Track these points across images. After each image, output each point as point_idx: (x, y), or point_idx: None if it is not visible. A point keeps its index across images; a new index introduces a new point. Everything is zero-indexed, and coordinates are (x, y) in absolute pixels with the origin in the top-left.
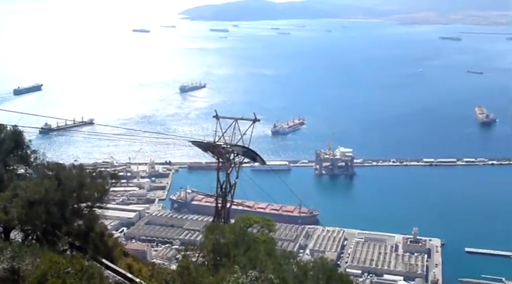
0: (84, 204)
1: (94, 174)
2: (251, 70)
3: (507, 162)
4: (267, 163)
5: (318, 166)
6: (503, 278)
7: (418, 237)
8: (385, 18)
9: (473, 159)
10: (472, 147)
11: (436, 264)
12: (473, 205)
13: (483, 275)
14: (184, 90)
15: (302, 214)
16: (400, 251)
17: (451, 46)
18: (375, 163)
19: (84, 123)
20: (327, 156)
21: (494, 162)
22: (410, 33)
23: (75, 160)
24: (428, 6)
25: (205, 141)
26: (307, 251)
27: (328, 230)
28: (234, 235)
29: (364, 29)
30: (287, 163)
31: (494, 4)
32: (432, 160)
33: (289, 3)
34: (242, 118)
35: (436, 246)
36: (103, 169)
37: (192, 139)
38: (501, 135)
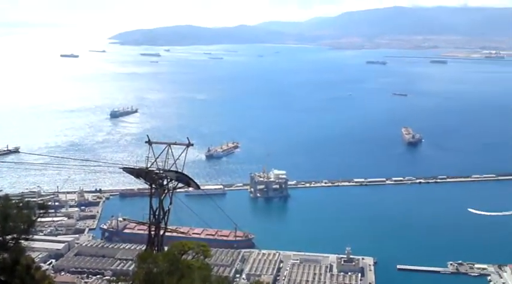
0: (9, 236)
1: (20, 204)
2: (184, 94)
3: (433, 180)
4: (202, 187)
5: (252, 189)
6: None
7: (351, 256)
8: (316, 44)
9: (401, 178)
10: (400, 166)
11: (370, 282)
12: (403, 223)
13: None
14: (115, 115)
15: (238, 238)
16: (335, 271)
17: (377, 70)
18: (308, 185)
19: (9, 152)
20: (261, 179)
21: (422, 181)
22: (340, 57)
23: (0, 191)
24: (356, 31)
25: (137, 167)
26: (244, 275)
27: (264, 254)
28: (168, 263)
29: (295, 53)
30: (222, 187)
31: (418, 29)
32: (363, 180)
33: (221, 29)
34: (175, 143)
35: (369, 264)
36: (30, 199)
37: (124, 166)
38: (427, 154)
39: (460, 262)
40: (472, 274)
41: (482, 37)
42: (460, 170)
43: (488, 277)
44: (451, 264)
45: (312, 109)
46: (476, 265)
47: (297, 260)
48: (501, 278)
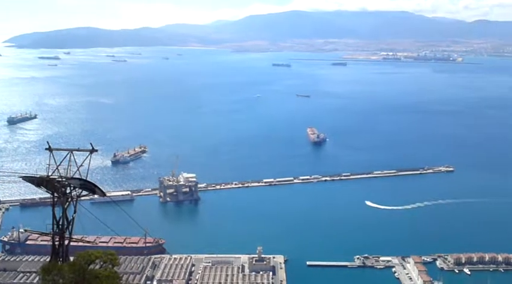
0: None
1: None
2: (88, 98)
3: (338, 178)
4: (108, 194)
5: (162, 194)
6: None
7: (262, 256)
8: (220, 46)
9: (308, 177)
10: (307, 165)
11: (281, 280)
12: (311, 220)
13: None
14: (12, 121)
15: (148, 244)
16: (247, 271)
17: (283, 72)
18: (218, 187)
19: None
20: (170, 183)
21: (327, 178)
22: (246, 60)
23: None
24: (260, 35)
25: (38, 176)
26: (155, 282)
27: (175, 258)
28: (74, 273)
29: (200, 56)
30: (130, 193)
31: (319, 32)
32: (272, 180)
33: (124, 31)
34: (78, 150)
35: (280, 263)
36: None
37: (23, 175)
38: (331, 153)
39: (366, 255)
40: (378, 267)
41: (380, 40)
42: (362, 167)
43: (393, 269)
44: (357, 258)
45: (220, 112)
46: (382, 258)
47: (209, 262)
48: (405, 269)
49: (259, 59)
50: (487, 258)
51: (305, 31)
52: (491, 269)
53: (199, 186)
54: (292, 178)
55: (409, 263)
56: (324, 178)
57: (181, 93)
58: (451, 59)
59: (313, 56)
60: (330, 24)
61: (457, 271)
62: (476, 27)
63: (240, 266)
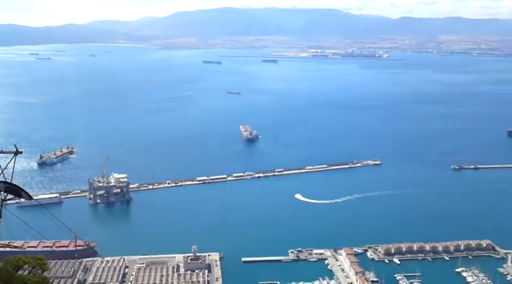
0: None
1: None
2: (11, 98)
3: (271, 174)
4: (35, 197)
5: (92, 196)
6: (278, 283)
7: (197, 254)
8: (148, 43)
9: (241, 174)
10: (240, 162)
11: (217, 278)
12: (246, 217)
13: (260, 282)
14: None
15: (78, 248)
16: (182, 270)
17: (213, 69)
18: (151, 187)
19: None
20: (101, 184)
21: (261, 175)
22: (175, 57)
23: None
24: (188, 31)
25: None
26: None
27: (108, 261)
28: (1, 280)
29: (128, 53)
30: (58, 195)
31: (250, 29)
32: (205, 178)
33: (48, 28)
34: (1, 152)
35: (215, 260)
36: None
37: None
38: (264, 150)
39: (299, 249)
40: (312, 260)
41: (309, 37)
42: (294, 163)
43: (326, 261)
44: (291, 252)
45: (151, 110)
46: (315, 251)
47: (143, 264)
48: (337, 261)
49: (189, 56)
50: (415, 248)
51: (235, 28)
52: (419, 258)
53: (130, 186)
54: (225, 176)
55: (341, 255)
56: (257, 175)
57: (109, 92)
58: (377, 55)
59: (244, 53)
60: (261, 21)
61: (387, 261)
62: (401, 24)
63: (175, 266)
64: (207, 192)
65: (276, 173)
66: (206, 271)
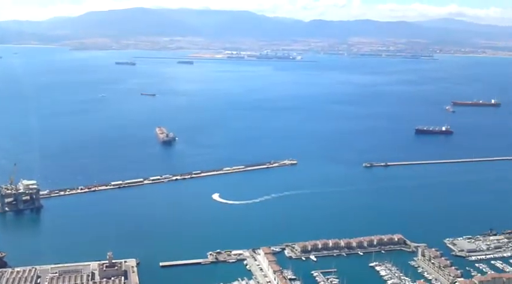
0: None
1: None
2: None
3: (189, 176)
4: None
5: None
6: None
7: (113, 261)
8: (59, 44)
9: (158, 177)
10: (157, 165)
11: None
12: (163, 220)
13: None
14: None
15: None
16: (97, 278)
17: (127, 70)
18: (62, 193)
19: None
20: (9, 191)
21: (178, 177)
22: (87, 58)
23: None
24: (100, 32)
25: None
26: None
27: (18, 272)
28: None
29: (38, 54)
30: None
31: (164, 30)
32: (120, 182)
33: None
34: None
35: (132, 266)
36: None
37: None
38: (182, 152)
39: (218, 251)
40: (231, 261)
41: (224, 38)
42: (212, 164)
43: (245, 261)
44: (210, 254)
45: (63, 113)
46: (234, 252)
47: (56, 273)
48: (256, 261)
49: (101, 57)
50: (330, 244)
51: (149, 29)
52: (335, 254)
53: (41, 193)
54: (142, 180)
55: (259, 254)
56: (174, 178)
57: (19, 94)
58: (291, 57)
59: (158, 54)
60: (175, 22)
61: (304, 258)
62: (313, 27)
63: (90, 274)
64: (122, 197)
65: (193, 175)
66: (122, 278)
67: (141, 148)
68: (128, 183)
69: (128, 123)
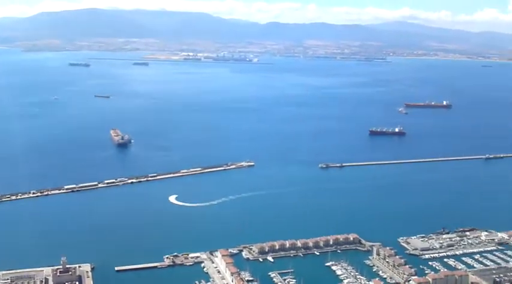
0: None
1: None
2: None
3: (145, 179)
4: None
5: None
6: None
7: (67, 266)
8: (10, 45)
9: (113, 180)
10: (112, 168)
11: None
12: (119, 224)
13: None
14: None
15: None
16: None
17: (81, 72)
18: (14, 197)
19: None
20: None
21: (134, 180)
22: (39, 60)
23: None
24: (53, 33)
25: None
26: None
27: None
28: None
29: None
30: None
31: (119, 31)
32: (74, 186)
33: None
34: None
35: (87, 271)
36: None
37: None
38: (137, 154)
39: (175, 254)
40: (188, 264)
41: (180, 40)
42: (169, 166)
43: (202, 264)
44: (167, 258)
45: (14, 116)
46: (191, 255)
47: (7, 279)
48: (213, 263)
49: (54, 59)
50: (287, 245)
51: (104, 30)
52: (292, 255)
53: None
54: (96, 183)
55: (217, 257)
56: (130, 181)
57: None
58: (247, 59)
59: (113, 56)
60: (130, 23)
61: (261, 260)
62: (269, 29)
63: (43, 280)
64: (76, 201)
65: (149, 178)
66: (77, 283)
67: (95, 151)
68: (82, 187)
69: (82, 125)
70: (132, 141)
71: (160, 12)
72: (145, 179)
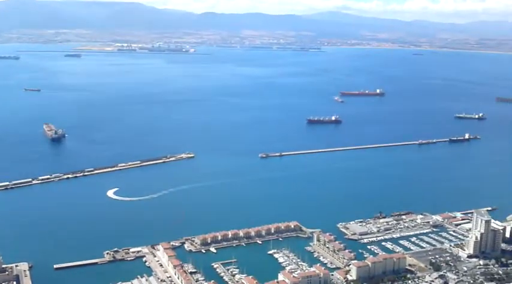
0: None
1: None
2: None
3: (81, 174)
4: None
5: None
6: None
7: (3, 265)
8: None
9: (48, 176)
10: (46, 163)
11: None
12: (56, 221)
13: None
14: None
15: None
16: None
17: (10, 65)
18: None
19: None
20: None
21: (70, 176)
22: None
23: None
24: None
25: None
26: None
27: None
28: None
29: None
30: None
31: (49, 22)
32: (7, 183)
33: None
34: None
35: (24, 270)
36: None
37: None
38: (72, 149)
39: (115, 249)
40: (129, 259)
41: (114, 30)
42: (107, 161)
43: (144, 258)
44: (107, 253)
45: None
46: (132, 249)
47: None
48: (155, 257)
49: None
50: (230, 235)
51: (33, 21)
52: (234, 245)
53: None
54: (30, 180)
55: (158, 250)
56: (66, 176)
57: None
58: (183, 49)
59: (44, 48)
60: (60, 14)
61: (204, 251)
62: (205, 19)
63: None
64: (10, 198)
65: (86, 173)
66: (14, 282)
67: (28, 147)
68: (16, 184)
69: (12, 120)
70: (67, 135)
71: (92, 2)
72: (81, 174)
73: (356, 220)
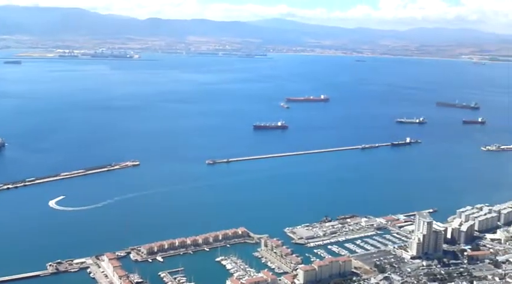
0: None
1: None
2: None
3: (22, 184)
4: None
5: None
6: None
7: None
8: None
9: None
10: None
11: None
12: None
13: None
14: None
15: None
16: None
17: None
18: None
19: None
20: None
21: (9, 186)
22: None
23: None
24: None
25: None
26: None
27: None
28: None
29: None
30: None
31: None
32: None
33: None
34: None
35: None
36: None
37: None
38: (13, 158)
39: (58, 261)
40: (73, 270)
41: (55, 37)
42: (48, 170)
43: (88, 269)
44: (50, 265)
45: None
46: (76, 261)
47: None
48: (100, 268)
49: None
50: (177, 243)
51: None
52: (181, 253)
53: None
54: None
55: (103, 261)
56: (6, 186)
57: None
58: (128, 56)
59: None
60: (0, 20)
61: (150, 260)
62: (149, 25)
63: None
64: None
65: (26, 183)
66: None
67: None
68: None
69: None
70: (6, 144)
71: (33, 8)
72: (22, 184)
73: (303, 225)
